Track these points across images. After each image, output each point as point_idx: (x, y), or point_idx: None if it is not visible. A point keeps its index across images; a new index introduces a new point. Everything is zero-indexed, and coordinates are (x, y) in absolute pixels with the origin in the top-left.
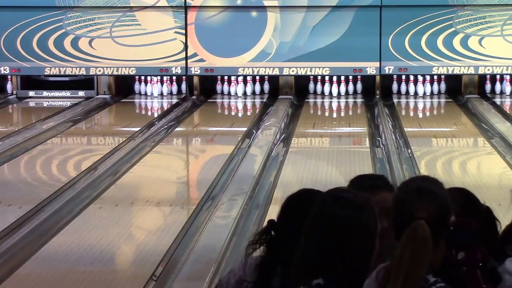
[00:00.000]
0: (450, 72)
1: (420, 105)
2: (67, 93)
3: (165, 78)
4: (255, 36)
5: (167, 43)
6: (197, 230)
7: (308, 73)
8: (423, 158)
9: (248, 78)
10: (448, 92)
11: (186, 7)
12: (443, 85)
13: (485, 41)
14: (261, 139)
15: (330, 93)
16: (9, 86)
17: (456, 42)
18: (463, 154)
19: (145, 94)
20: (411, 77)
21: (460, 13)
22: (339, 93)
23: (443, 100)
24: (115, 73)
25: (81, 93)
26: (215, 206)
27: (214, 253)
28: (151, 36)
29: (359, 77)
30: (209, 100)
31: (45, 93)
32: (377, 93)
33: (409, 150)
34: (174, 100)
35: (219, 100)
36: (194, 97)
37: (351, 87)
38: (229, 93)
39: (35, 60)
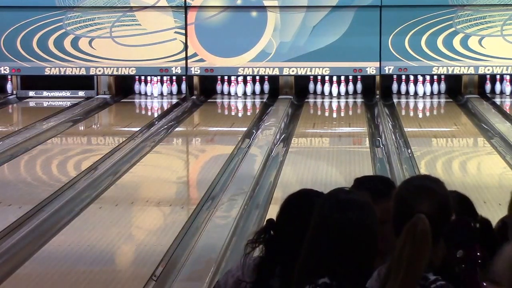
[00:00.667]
0: (450, 72)
1: (420, 105)
2: (67, 93)
3: (165, 78)
4: (255, 36)
5: (167, 43)
6: (197, 230)
7: (308, 73)
8: (423, 158)
9: (248, 78)
10: (448, 92)
11: (186, 7)
12: (443, 85)
13: (485, 41)
14: (261, 139)
15: (330, 93)
16: (9, 86)
17: (456, 42)
18: (463, 154)
19: (145, 94)
20: (411, 77)
21: (460, 13)
22: (339, 93)
23: (443, 100)
24: (115, 73)
25: (81, 93)
26: (215, 206)
27: (214, 253)
28: (151, 36)
29: (359, 77)
30: (209, 100)
31: (45, 93)
32: (377, 93)
33: (409, 150)
34: (174, 100)
35: (219, 100)
36: (194, 97)
37: (351, 87)
38: (229, 93)
39: (35, 60)
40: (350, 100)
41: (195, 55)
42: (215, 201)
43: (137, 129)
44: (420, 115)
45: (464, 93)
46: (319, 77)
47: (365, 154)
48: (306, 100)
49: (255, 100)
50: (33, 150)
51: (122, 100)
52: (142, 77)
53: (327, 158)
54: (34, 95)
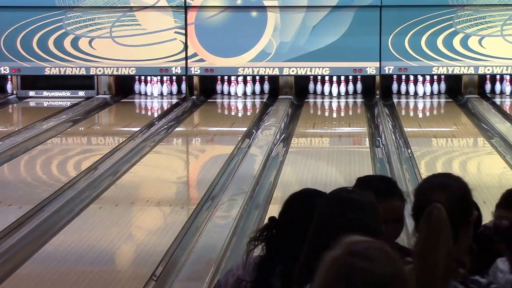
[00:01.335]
0: (450, 72)
1: (420, 105)
2: (67, 93)
3: (165, 78)
4: (255, 36)
5: (167, 43)
6: (197, 230)
7: (308, 73)
8: (423, 158)
9: (248, 78)
10: (448, 92)
11: (186, 7)
12: (443, 85)
13: (485, 41)
14: (261, 139)
15: (330, 93)
16: (9, 86)
17: (456, 42)
18: (463, 154)
19: (145, 94)
20: (411, 77)
21: (460, 13)
22: (339, 93)
23: (443, 100)
24: (115, 73)
25: (81, 93)
26: (215, 206)
27: (214, 253)
28: (151, 36)
29: (359, 77)
30: (209, 100)
31: (45, 93)
32: (377, 93)
33: (409, 150)
34: (174, 100)
35: (219, 100)
36: (194, 97)
37: (351, 87)
38: (229, 93)
39: (35, 60)
40: (350, 100)
41: (195, 55)
42: (215, 201)
43: (137, 129)
44: (420, 115)
45: (464, 93)
46: (319, 77)
47: (365, 154)
48: (306, 100)
49: (255, 100)
50: (33, 150)
51: (122, 100)
52: (142, 77)
53: (327, 158)
54: (34, 95)
